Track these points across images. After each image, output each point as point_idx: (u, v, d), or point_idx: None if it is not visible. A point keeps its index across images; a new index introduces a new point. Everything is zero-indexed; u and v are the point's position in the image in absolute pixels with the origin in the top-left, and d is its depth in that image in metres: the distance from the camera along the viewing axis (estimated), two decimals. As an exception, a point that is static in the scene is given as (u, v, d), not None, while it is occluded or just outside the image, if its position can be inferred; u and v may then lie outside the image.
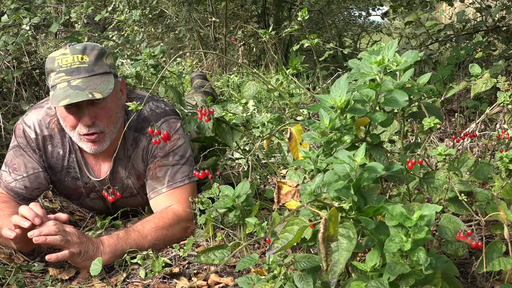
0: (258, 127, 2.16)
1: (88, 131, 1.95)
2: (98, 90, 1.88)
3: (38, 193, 2.14)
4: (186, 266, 1.85)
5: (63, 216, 1.87)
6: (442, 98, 2.58)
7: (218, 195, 1.76)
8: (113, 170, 2.14)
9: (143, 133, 2.09)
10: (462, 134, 1.97)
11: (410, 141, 2.59)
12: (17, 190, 2.08)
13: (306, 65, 2.20)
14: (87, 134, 1.96)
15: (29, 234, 1.75)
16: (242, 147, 2.62)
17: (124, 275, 1.79)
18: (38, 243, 1.75)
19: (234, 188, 1.69)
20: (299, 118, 2.67)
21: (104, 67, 1.96)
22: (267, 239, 1.44)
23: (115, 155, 2.00)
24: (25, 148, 2.09)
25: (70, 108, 1.93)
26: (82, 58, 1.92)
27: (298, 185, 1.59)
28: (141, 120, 2.10)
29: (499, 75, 1.96)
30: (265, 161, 2.54)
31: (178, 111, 2.21)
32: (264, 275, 1.49)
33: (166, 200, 2.08)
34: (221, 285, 1.71)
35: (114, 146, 2.07)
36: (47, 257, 1.77)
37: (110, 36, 4.65)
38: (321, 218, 1.14)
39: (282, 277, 1.34)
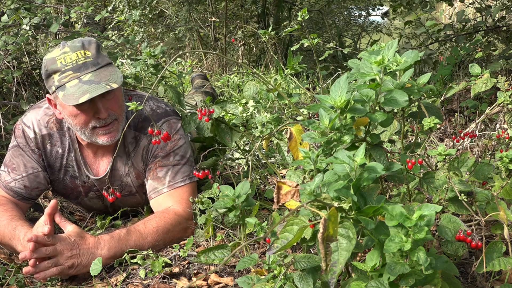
0: (257, 127, 2.16)
1: (105, 123, 1.96)
2: (112, 80, 1.88)
3: (38, 192, 2.14)
4: (186, 266, 1.85)
5: (45, 229, 1.77)
6: (442, 98, 2.58)
7: (218, 195, 1.76)
8: (112, 167, 2.14)
9: (143, 132, 2.10)
10: (462, 134, 1.97)
11: (410, 141, 2.59)
12: (17, 189, 2.08)
13: (305, 65, 2.19)
14: (103, 126, 1.96)
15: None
16: (242, 147, 2.63)
17: (124, 275, 1.79)
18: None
19: (234, 188, 1.69)
20: (299, 118, 2.67)
21: (105, 59, 1.97)
22: (267, 239, 1.44)
23: (115, 153, 2.00)
24: (24, 148, 2.09)
25: (82, 104, 1.91)
26: (85, 53, 1.93)
27: (297, 185, 1.59)
28: (141, 119, 2.11)
29: (499, 75, 1.96)
30: (265, 161, 2.54)
31: (178, 112, 2.21)
32: (264, 275, 1.49)
33: (167, 200, 2.08)
34: (221, 285, 1.71)
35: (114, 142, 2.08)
36: (35, 276, 1.76)
37: (110, 36, 4.65)
38: (321, 218, 1.14)
39: (282, 277, 1.34)
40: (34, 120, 2.10)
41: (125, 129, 1.88)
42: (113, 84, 1.87)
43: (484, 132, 2.72)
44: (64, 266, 1.75)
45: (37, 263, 1.74)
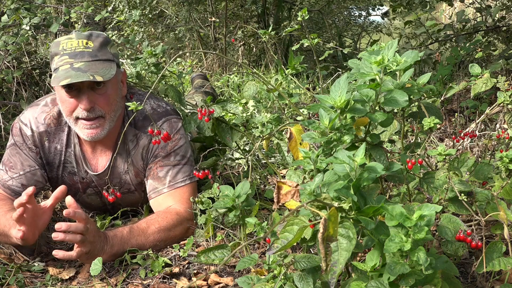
0: (257, 127, 2.16)
1: (88, 116, 1.96)
2: (100, 73, 1.89)
3: (35, 191, 2.13)
4: (186, 266, 1.85)
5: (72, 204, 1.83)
6: (442, 98, 2.58)
7: (218, 195, 1.76)
8: (112, 164, 2.13)
9: (144, 131, 2.10)
10: (462, 134, 1.97)
11: (410, 141, 2.59)
12: (14, 188, 2.08)
13: (305, 65, 2.20)
14: (86, 119, 1.97)
15: (57, 226, 1.74)
16: (242, 147, 2.63)
17: (124, 275, 1.79)
18: (57, 240, 1.75)
19: (234, 188, 1.69)
20: (299, 118, 2.67)
21: (107, 55, 1.98)
22: (267, 239, 1.44)
23: (116, 152, 2.00)
24: (22, 146, 2.09)
25: (70, 91, 1.93)
26: (86, 43, 1.95)
27: (297, 185, 1.59)
28: (142, 118, 2.11)
29: (499, 75, 1.96)
30: (265, 161, 2.54)
31: (178, 111, 2.21)
32: (264, 275, 1.49)
33: (167, 200, 2.08)
34: (221, 285, 1.71)
35: (112, 138, 2.08)
36: (54, 252, 1.78)
37: (110, 36, 4.65)
38: (321, 218, 1.14)
39: (282, 277, 1.34)
40: (31, 117, 2.10)
41: (126, 127, 1.88)
42: (98, 77, 1.87)
43: (484, 132, 2.72)
44: (83, 250, 1.77)
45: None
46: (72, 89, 1.93)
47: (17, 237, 1.79)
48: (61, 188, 1.86)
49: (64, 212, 1.74)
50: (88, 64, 1.90)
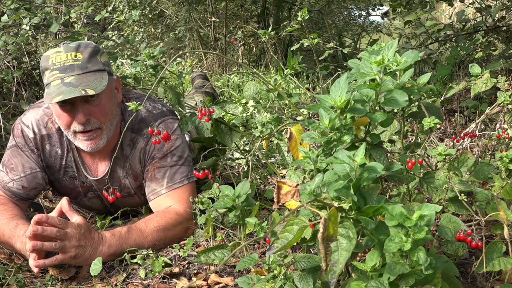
0: (257, 127, 2.16)
1: (84, 129, 1.95)
2: (91, 86, 1.87)
3: (36, 193, 2.14)
4: (186, 266, 1.85)
5: (65, 206, 1.85)
6: (442, 98, 2.58)
7: (218, 195, 1.76)
8: (111, 169, 2.13)
9: (140, 134, 2.09)
10: (462, 134, 1.97)
11: (410, 141, 2.59)
12: (14, 190, 2.08)
13: (305, 65, 2.20)
14: (83, 132, 1.96)
15: (38, 217, 1.73)
16: (242, 147, 2.63)
17: (124, 275, 1.79)
18: (36, 249, 1.74)
19: (234, 188, 1.69)
20: (299, 118, 2.67)
21: (98, 65, 1.95)
22: (267, 239, 1.44)
23: (114, 155, 2.00)
24: (23, 148, 2.08)
25: (64, 105, 1.92)
26: (75, 56, 1.92)
27: (297, 185, 1.59)
28: (138, 121, 2.10)
29: (499, 75, 1.96)
30: (265, 161, 2.54)
31: (175, 111, 2.20)
32: (264, 275, 1.49)
33: (166, 201, 2.08)
34: (221, 285, 1.71)
35: (111, 145, 2.07)
36: (34, 264, 1.75)
37: (110, 36, 4.65)
38: (321, 218, 1.14)
39: (282, 277, 1.34)
40: (33, 120, 2.09)
41: (123, 131, 1.88)
42: (90, 91, 1.85)
43: (484, 132, 2.72)
44: (67, 255, 1.76)
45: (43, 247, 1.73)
46: (66, 103, 1.91)
47: (33, 267, 1.78)
48: (63, 201, 1.85)
49: (32, 221, 1.72)
50: (79, 78, 1.88)
